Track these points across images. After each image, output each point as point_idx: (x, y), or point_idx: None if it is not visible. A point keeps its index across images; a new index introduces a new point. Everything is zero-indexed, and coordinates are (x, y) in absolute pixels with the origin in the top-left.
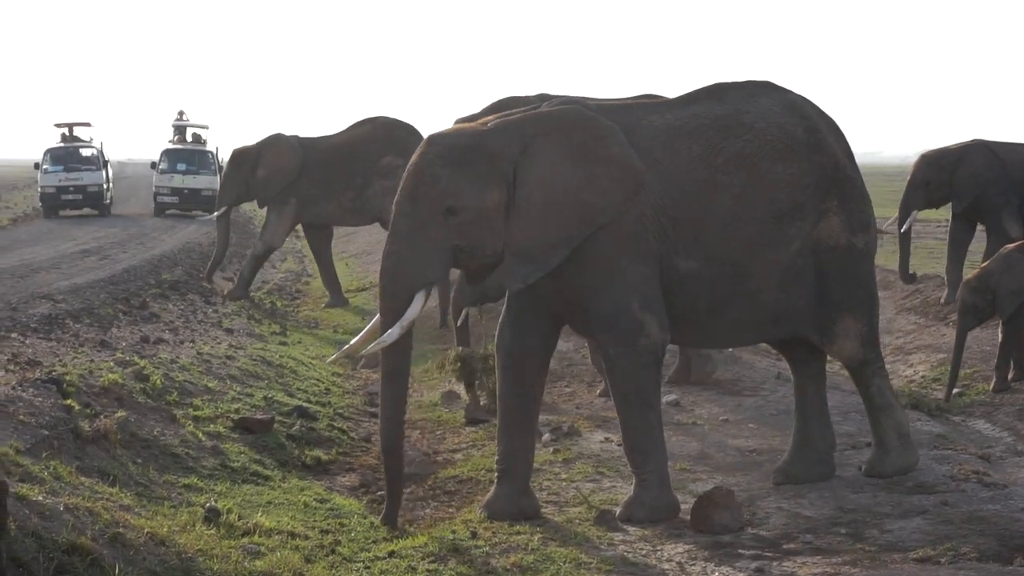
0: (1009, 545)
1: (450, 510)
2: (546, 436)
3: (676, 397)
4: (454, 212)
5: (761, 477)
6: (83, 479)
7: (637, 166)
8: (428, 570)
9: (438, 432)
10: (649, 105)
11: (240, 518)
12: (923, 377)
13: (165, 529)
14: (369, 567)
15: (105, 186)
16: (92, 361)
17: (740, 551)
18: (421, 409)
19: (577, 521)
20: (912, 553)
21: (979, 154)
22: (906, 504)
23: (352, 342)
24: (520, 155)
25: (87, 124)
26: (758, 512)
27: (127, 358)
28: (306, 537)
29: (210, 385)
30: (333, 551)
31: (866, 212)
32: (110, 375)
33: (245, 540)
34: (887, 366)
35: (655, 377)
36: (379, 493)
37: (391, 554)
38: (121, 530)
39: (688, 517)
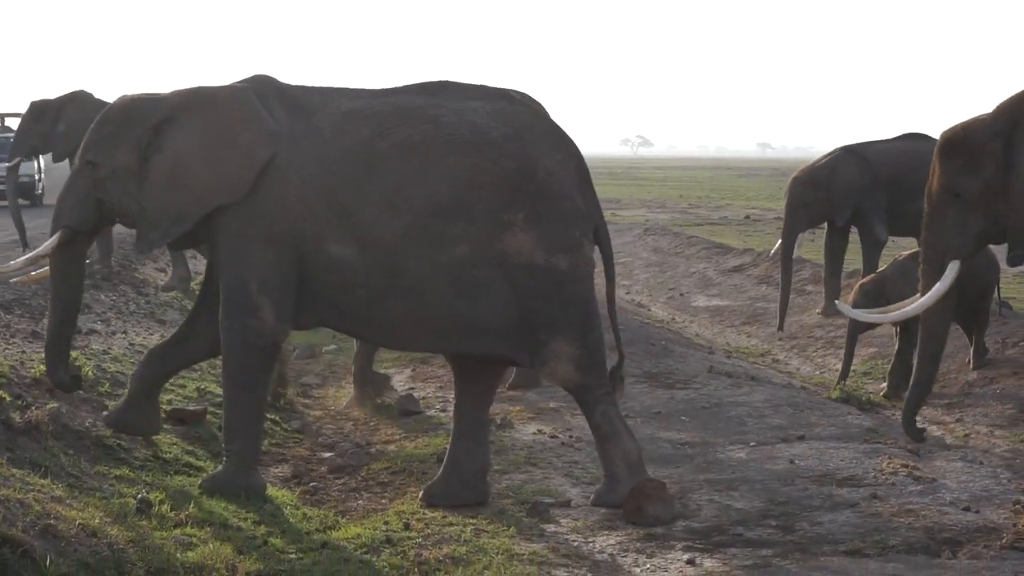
0: (937, 538)
1: (383, 501)
2: None
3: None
4: (94, 166)
5: (693, 470)
6: (14, 470)
7: (261, 156)
8: (361, 561)
9: (371, 423)
10: (353, 91)
11: (172, 509)
12: (853, 371)
13: (97, 520)
14: (302, 558)
15: (37, 176)
16: (23, 352)
17: (672, 543)
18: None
19: (510, 513)
20: (842, 545)
21: (849, 163)
22: (836, 497)
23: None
24: (162, 123)
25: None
26: (690, 504)
27: None
28: (238, 528)
29: None
30: (265, 543)
31: (570, 234)
32: (41, 366)
33: (177, 531)
34: (818, 359)
35: (261, 362)
36: (312, 484)
37: (324, 545)
38: (52, 521)
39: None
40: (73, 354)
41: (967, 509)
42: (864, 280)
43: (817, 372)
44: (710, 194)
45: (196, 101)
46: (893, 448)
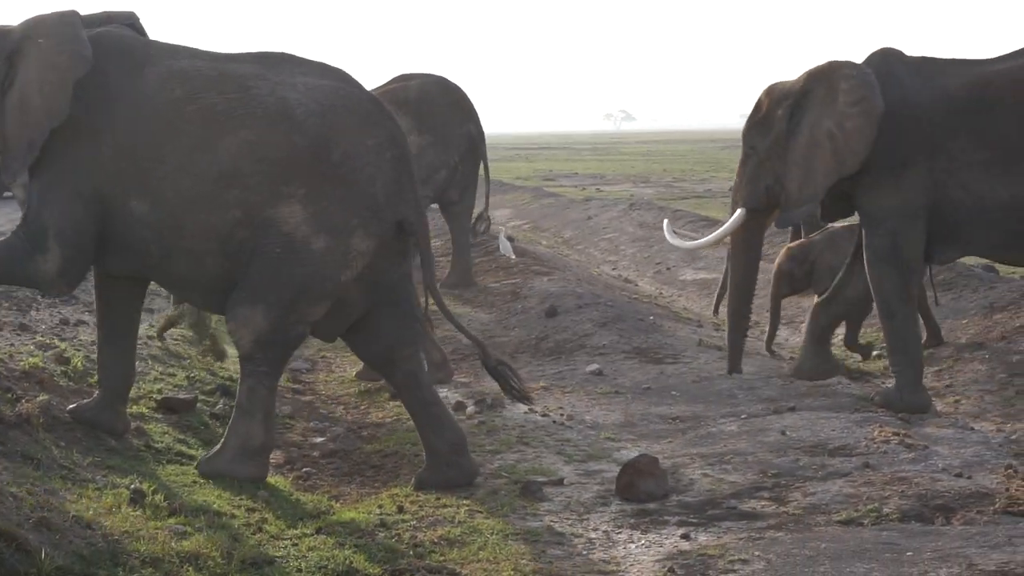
0: (930, 505)
1: (376, 485)
2: (471, 408)
3: (599, 367)
4: None
5: (685, 444)
6: (6, 464)
7: (56, 109)
8: (356, 545)
9: (362, 407)
10: (198, 52)
11: (166, 499)
12: (842, 339)
13: (91, 512)
14: (297, 544)
15: None
16: (12, 345)
17: (666, 518)
18: (344, 384)
19: (503, 493)
20: (835, 515)
21: None
22: (829, 467)
23: None
24: (12, 54)
25: None
26: (682, 479)
27: (47, 341)
28: (232, 516)
29: None
30: (260, 529)
31: (344, 218)
32: (31, 359)
33: (171, 521)
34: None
35: (24, 279)
36: (304, 470)
37: (318, 530)
38: (47, 514)
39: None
40: (62, 345)
41: (959, 475)
42: (792, 244)
43: (791, 340)
44: (694, 167)
45: (32, 28)
46: (884, 416)
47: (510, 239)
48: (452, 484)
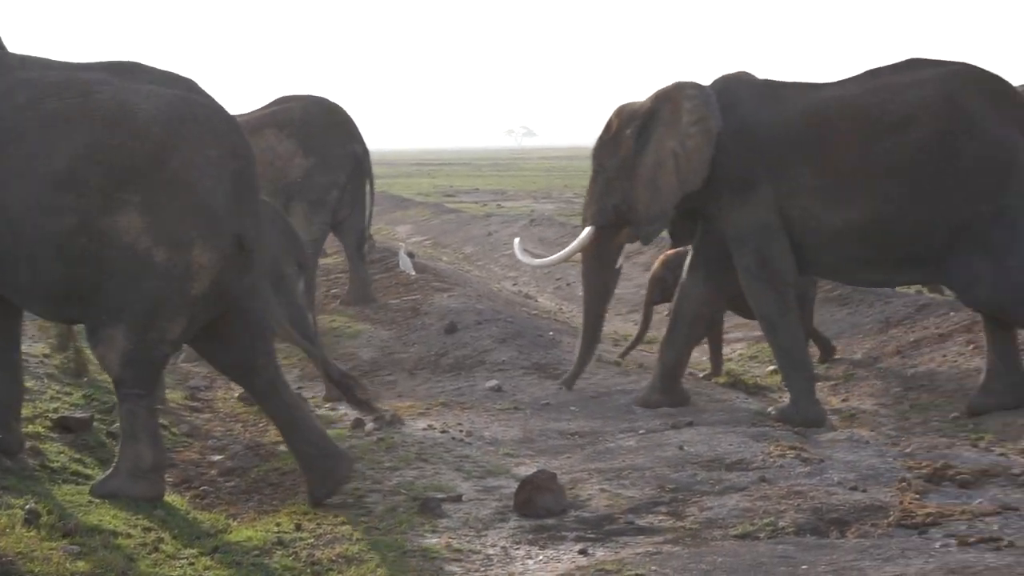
0: (825, 519)
1: (274, 503)
2: (369, 425)
3: (498, 383)
4: None
5: (583, 459)
6: None
7: None
8: (253, 564)
9: (260, 424)
10: (53, 62)
11: (61, 519)
12: (740, 355)
13: None
14: (193, 563)
15: None
16: None
17: (564, 534)
18: (242, 401)
19: (401, 510)
20: (732, 529)
21: None
22: (725, 481)
23: None
24: None
25: None
26: (580, 494)
27: None
28: (128, 535)
29: (28, 385)
30: (156, 548)
31: (183, 230)
32: None
33: (66, 541)
34: (705, 345)
35: None
36: (202, 488)
37: (215, 549)
38: None
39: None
40: None
41: (854, 488)
42: (670, 252)
43: (704, 358)
44: None
45: None
46: (780, 431)
47: (410, 255)
48: (340, 478)
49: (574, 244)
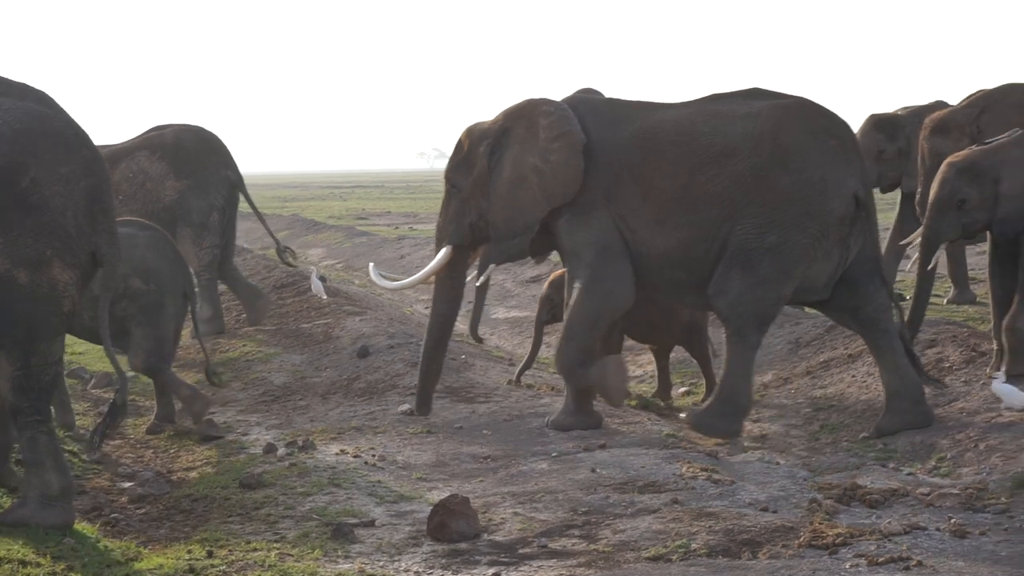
0: (737, 540)
1: (186, 529)
2: (281, 450)
3: (411, 407)
4: None
5: (496, 483)
6: None
7: None
8: None
9: (171, 450)
10: None
11: None
12: (651, 376)
13: None
14: None
15: None
16: None
17: (477, 558)
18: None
19: (314, 535)
20: (644, 552)
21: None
22: (638, 503)
23: None
24: None
25: None
26: (494, 518)
27: None
28: (38, 565)
29: None
30: None
31: (39, 249)
32: None
33: None
34: None
35: None
36: (113, 515)
37: None
38: None
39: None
40: None
41: (765, 510)
42: (557, 273)
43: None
44: None
45: None
46: (692, 452)
47: (322, 279)
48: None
49: (432, 265)
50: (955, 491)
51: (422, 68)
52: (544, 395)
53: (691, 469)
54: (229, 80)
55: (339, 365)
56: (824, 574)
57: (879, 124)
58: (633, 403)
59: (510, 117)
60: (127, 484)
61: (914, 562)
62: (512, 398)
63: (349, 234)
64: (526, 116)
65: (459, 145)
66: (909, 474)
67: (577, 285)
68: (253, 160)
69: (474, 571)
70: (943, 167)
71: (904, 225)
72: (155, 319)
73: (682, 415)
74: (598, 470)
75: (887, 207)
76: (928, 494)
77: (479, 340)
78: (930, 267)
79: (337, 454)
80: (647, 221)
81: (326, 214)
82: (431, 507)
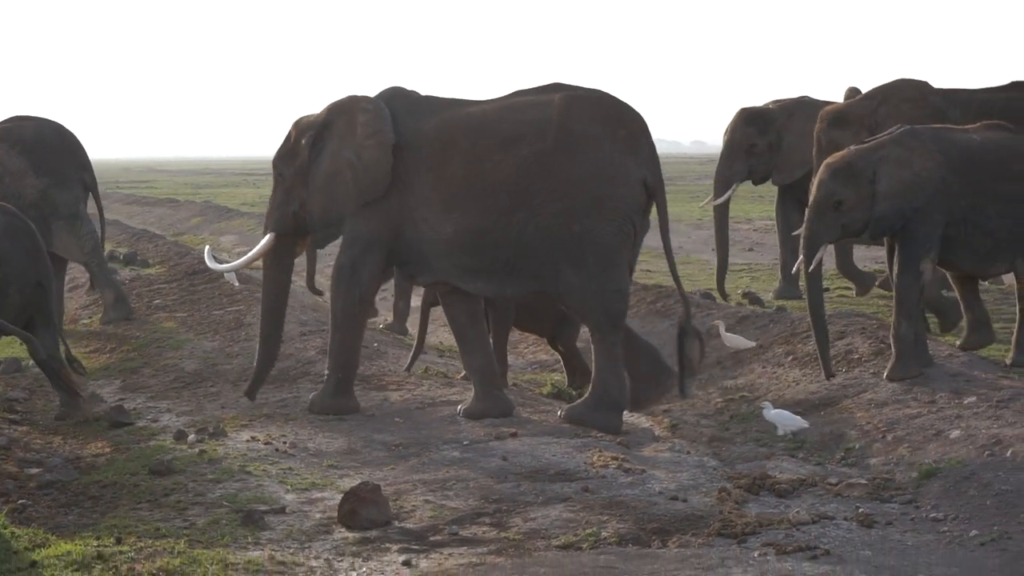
0: (647, 528)
1: (95, 516)
2: (191, 437)
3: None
4: None
5: (407, 471)
6: None
7: None
8: None
9: (80, 437)
10: None
11: None
12: (558, 362)
13: None
14: None
15: None
16: None
17: (387, 545)
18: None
19: (224, 522)
20: (555, 540)
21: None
22: (549, 492)
23: None
24: None
25: None
26: (405, 506)
27: None
28: None
29: None
30: None
31: None
32: None
33: None
34: (528, 355)
35: None
36: (20, 502)
37: (33, 564)
38: None
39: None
40: None
41: (675, 498)
42: None
43: (529, 368)
44: None
45: None
46: (603, 441)
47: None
48: None
49: (254, 251)
50: (863, 481)
51: (330, 50)
52: (455, 384)
53: (602, 458)
54: (140, 61)
55: (250, 352)
56: (733, 562)
57: (749, 118)
58: (546, 391)
59: (332, 111)
60: (35, 470)
61: (821, 551)
62: (424, 386)
63: (262, 221)
64: (346, 112)
65: (288, 136)
66: (818, 464)
67: (337, 272)
68: (164, 146)
69: (384, 558)
70: (821, 169)
71: (789, 217)
72: None
73: (559, 411)
74: (509, 458)
75: (757, 199)
76: (836, 484)
77: (317, 293)
78: (812, 268)
79: (248, 441)
80: (437, 209)
81: (239, 201)
82: (342, 495)
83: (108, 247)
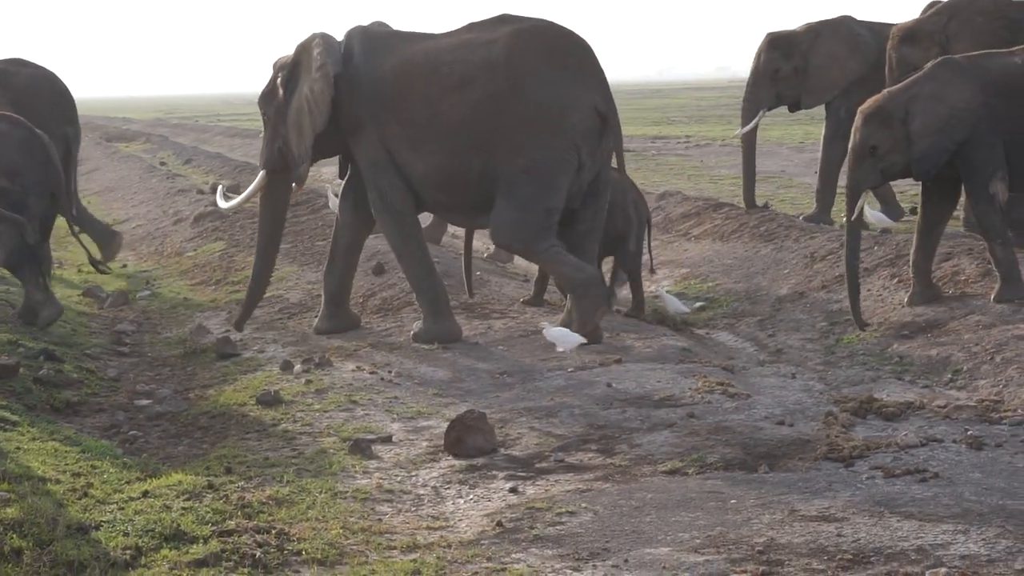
0: (753, 453)
1: (204, 446)
2: (297, 367)
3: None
4: None
5: (513, 399)
6: None
7: None
8: (183, 508)
9: (188, 368)
10: None
11: None
12: (668, 291)
13: None
14: (123, 508)
15: None
16: None
17: (494, 472)
18: (170, 346)
19: (331, 451)
20: (661, 465)
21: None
22: (654, 418)
23: None
24: None
25: None
26: (510, 433)
27: None
28: (58, 481)
29: None
30: (86, 494)
31: None
32: None
33: None
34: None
35: None
36: (131, 433)
37: (145, 493)
38: None
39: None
40: None
41: (781, 423)
42: None
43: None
44: None
45: None
46: (708, 367)
47: (338, 196)
48: None
49: (250, 188)
50: (971, 403)
51: None
52: (560, 311)
53: (707, 383)
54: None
55: (356, 281)
56: (840, 486)
57: (774, 42)
58: (648, 318)
59: (299, 51)
60: (145, 402)
61: (931, 474)
62: (527, 314)
63: None
64: (307, 50)
65: (271, 77)
66: (925, 387)
67: (374, 207)
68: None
69: (491, 486)
70: (857, 116)
71: (834, 144)
72: None
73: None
74: (614, 385)
75: (792, 123)
76: (944, 407)
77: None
78: (854, 217)
79: (353, 371)
80: (406, 146)
81: None
82: (448, 423)
83: (210, 179)
